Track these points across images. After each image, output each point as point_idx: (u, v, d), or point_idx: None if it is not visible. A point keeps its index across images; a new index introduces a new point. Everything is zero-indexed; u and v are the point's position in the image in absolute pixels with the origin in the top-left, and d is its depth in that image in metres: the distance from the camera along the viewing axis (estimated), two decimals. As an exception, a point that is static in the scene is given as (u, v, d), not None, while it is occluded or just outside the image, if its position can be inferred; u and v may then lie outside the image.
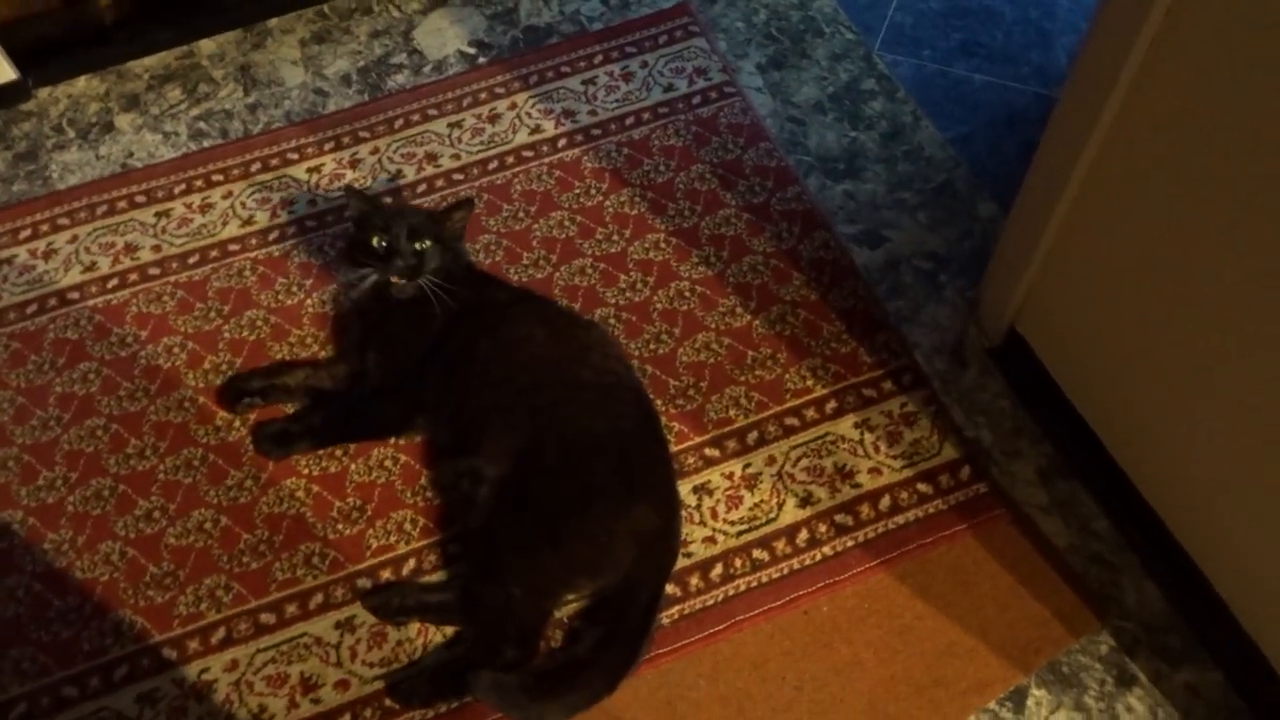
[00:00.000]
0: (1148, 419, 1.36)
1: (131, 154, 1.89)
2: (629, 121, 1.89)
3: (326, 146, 1.88)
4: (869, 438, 1.55)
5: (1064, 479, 1.52)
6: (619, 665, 1.32)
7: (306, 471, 1.54)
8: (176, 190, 1.83)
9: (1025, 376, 1.58)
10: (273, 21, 2.07)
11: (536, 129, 1.89)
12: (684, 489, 1.51)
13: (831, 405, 1.58)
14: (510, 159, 1.86)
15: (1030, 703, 1.36)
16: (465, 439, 1.47)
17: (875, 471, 1.52)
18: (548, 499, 1.37)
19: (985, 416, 1.58)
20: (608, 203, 1.79)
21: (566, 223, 1.77)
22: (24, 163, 1.89)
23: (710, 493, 1.51)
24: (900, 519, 1.48)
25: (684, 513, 1.48)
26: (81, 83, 2.00)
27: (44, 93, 1.98)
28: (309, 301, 1.70)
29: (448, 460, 1.53)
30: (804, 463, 1.53)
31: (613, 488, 1.37)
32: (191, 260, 1.75)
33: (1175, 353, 1.25)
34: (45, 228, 1.80)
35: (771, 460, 1.53)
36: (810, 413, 1.58)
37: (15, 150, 1.91)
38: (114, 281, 1.73)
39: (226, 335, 1.67)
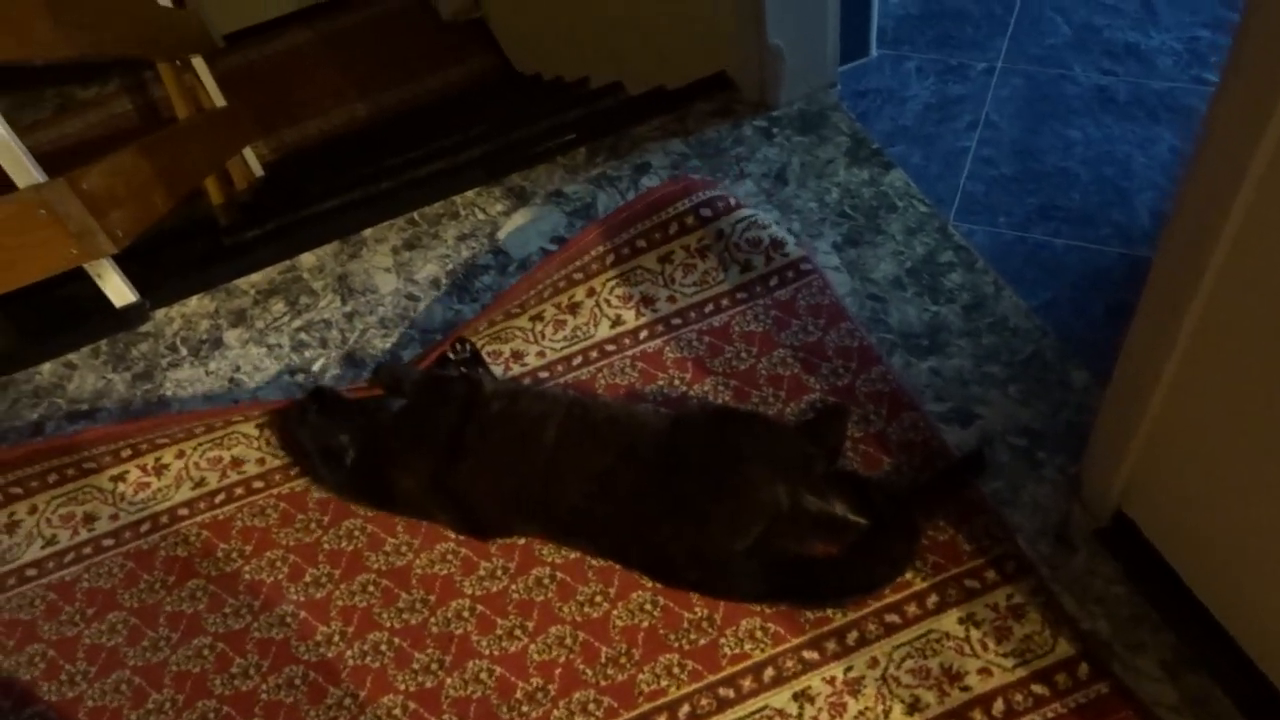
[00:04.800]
0: (1275, 607, 1.27)
1: (239, 368, 2.00)
2: (708, 309, 1.92)
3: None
4: (975, 634, 1.48)
5: (1192, 672, 1.42)
6: None
7: (403, 688, 1.55)
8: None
9: (1138, 559, 1.50)
10: (367, 232, 2.19)
11: (617, 320, 1.93)
12: (783, 696, 1.46)
13: (933, 599, 1.52)
14: (594, 353, 1.90)
15: None
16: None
17: (985, 672, 1.45)
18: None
19: (1100, 605, 1.50)
20: (691, 393, 1.81)
21: (651, 415, 1.79)
22: (141, 383, 2.01)
23: (812, 700, 1.46)
24: (1017, 725, 1.40)
25: (786, 722, 1.44)
26: (194, 302, 2.13)
27: (160, 314, 2.13)
28: (404, 508, 1.74)
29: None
30: (908, 664, 1.47)
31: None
32: (293, 472, 1.82)
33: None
34: (144, 445, 1.88)
35: (874, 662, 1.48)
36: (911, 608, 1.52)
37: (134, 371, 2.03)
38: (220, 496, 1.81)
39: (326, 546, 1.71)
